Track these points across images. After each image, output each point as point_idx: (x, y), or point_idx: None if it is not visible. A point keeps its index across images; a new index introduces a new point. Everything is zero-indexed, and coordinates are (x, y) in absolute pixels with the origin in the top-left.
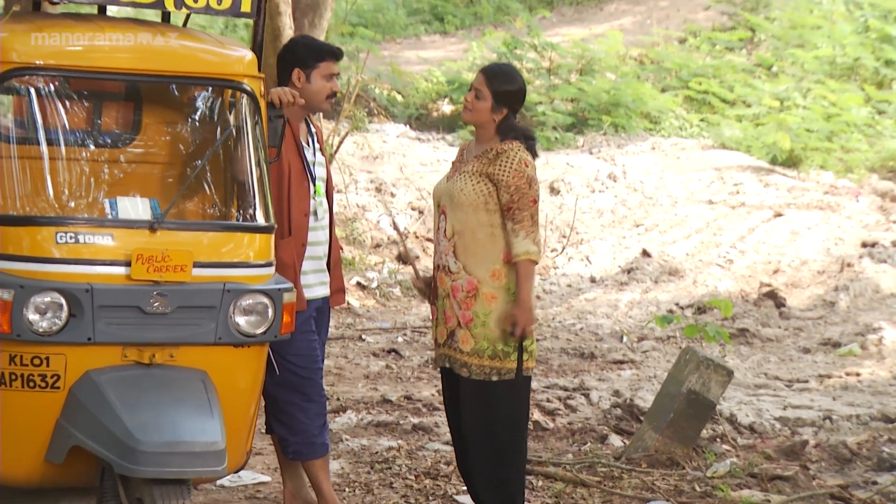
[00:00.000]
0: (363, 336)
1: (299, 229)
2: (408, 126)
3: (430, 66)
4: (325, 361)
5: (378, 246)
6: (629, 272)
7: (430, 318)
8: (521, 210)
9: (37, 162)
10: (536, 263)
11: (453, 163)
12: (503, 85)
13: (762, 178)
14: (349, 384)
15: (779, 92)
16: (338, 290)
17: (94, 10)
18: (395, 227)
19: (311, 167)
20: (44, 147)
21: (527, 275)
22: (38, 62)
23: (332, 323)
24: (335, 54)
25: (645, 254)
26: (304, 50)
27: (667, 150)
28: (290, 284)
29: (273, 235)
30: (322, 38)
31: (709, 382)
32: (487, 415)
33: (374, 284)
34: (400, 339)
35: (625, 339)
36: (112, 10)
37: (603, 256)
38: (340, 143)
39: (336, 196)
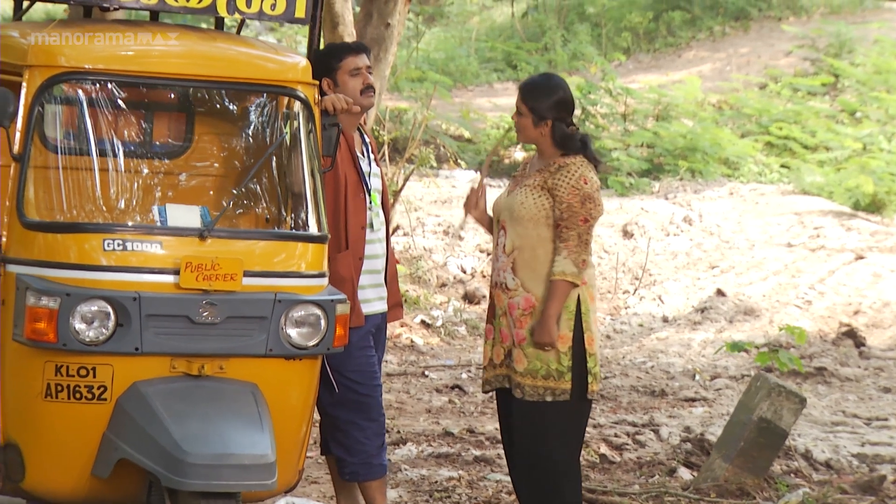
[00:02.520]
0: (426, 372)
1: (356, 242)
2: (478, 172)
3: (503, 112)
4: (386, 395)
5: (444, 285)
6: (703, 311)
7: (486, 337)
8: (568, 228)
9: (84, 169)
10: (574, 286)
11: (514, 177)
12: (538, 99)
13: (844, 223)
14: (410, 418)
15: (862, 136)
16: (395, 304)
17: (147, 17)
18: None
19: (367, 178)
20: (92, 155)
21: (557, 294)
22: (87, 66)
23: (394, 359)
24: (354, 49)
25: (720, 293)
26: (324, 57)
27: (745, 195)
28: (343, 296)
29: (326, 246)
30: (387, 73)
31: (780, 410)
32: (538, 437)
33: (439, 322)
34: (464, 376)
35: (697, 377)
36: (165, 17)
37: (676, 297)
38: (406, 181)
39: (403, 238)
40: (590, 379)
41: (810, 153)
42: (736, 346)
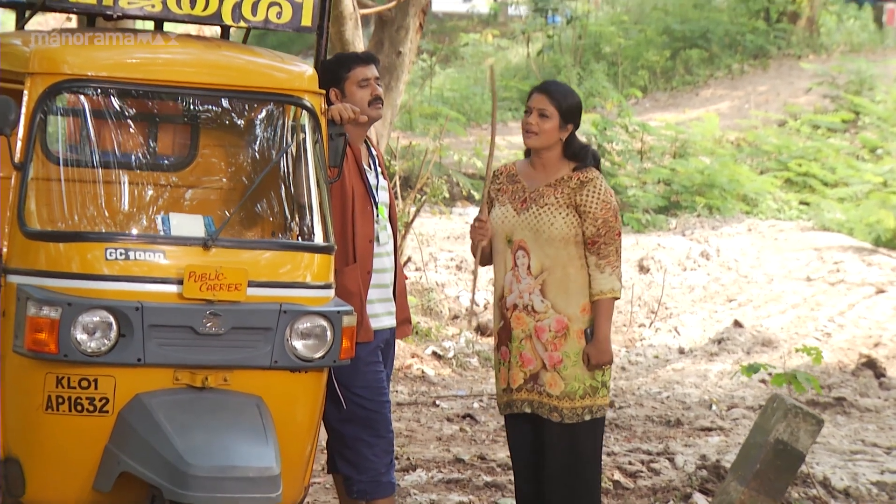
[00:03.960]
0: (437, 402)
1: (364, 256)
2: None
3: (517, 150)
4: (396, 424)
5: (456, 317)
6: (720, 343)
7: (501, 360)
8: (607, 244)
9: (87, 180)
10: (618, 299)
11: (501, 190)
12: (567, 99)
13: (864, 258)
14: (421, 445)
15: (883, 172)
16: (404, 320)
17: (151, 25)
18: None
19: (374, 191)
20: (94, 165)
21: (608, 312)
22: (90, 73)
23: (405, 390)
24: (363, 59)
25: (737, 324)
26: (332, 66)
27: (764, 231)
28: (350, 307)
29: (333, 256)
30: (398, 101)
31: (797, 432)
32: (574, 455)
33: (451, 354)
34: (476, 405)
35: (714, 407)
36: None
37: (692, 329)
38: (417, 212)
39: (414, 273)
40: (604, 392)
41: (830, 189)
42: (752, 368)
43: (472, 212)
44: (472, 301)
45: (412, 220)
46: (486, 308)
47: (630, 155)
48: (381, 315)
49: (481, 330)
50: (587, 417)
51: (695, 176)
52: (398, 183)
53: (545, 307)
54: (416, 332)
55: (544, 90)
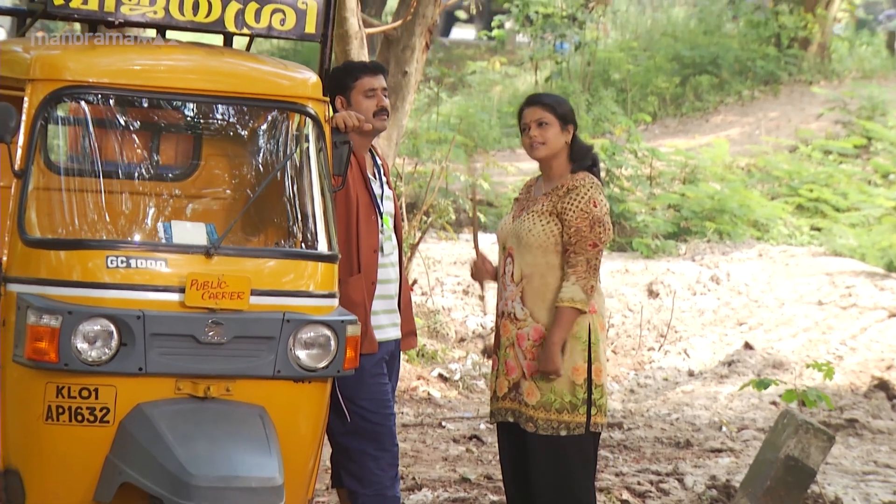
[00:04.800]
0: (443, 423)
1: (369, 266)
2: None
3: (525, 175)
4: (402, 444)
5: (462, 340)
6: (730, 365)
7: (491, 368)
8: (576, 254)
9: (88, 184)
10: (582, 313)
11: (517, 200)
12: (560, 103)
13: (877, 283)
14: (426, 465)
15: (895, 197)
16: (409, 332)
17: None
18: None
19: (379, 200)
20: (95, 173)
21: (565, 321)
22: (91, 80)
23: (410, 411)
24: (371, 69)
25: (747, 346)
26: (339, 74)
27: (775, 256)
28: (354, 317)
29: (336, 265)
30: (404, 122)
31: (808, 448)
32: (558, 471)
33: (457, 376)
34: (482, 427)
35: (724, 428)
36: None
37: (702, 351)
38: (423, 234)
39: (420, 298)
40: (594, 411)
41: (842, 214)
42: (762, 384)
43: (480, 238)
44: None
45: (418, 243)
46: (492, 332)
47: (639, 180)
48: (386, 326)
49: (487, 353)
50: (562, 433)
51: (705, 201)
52: (404, 206)
53: (525, 315)
54: (422, 355)
55: (535, 102)
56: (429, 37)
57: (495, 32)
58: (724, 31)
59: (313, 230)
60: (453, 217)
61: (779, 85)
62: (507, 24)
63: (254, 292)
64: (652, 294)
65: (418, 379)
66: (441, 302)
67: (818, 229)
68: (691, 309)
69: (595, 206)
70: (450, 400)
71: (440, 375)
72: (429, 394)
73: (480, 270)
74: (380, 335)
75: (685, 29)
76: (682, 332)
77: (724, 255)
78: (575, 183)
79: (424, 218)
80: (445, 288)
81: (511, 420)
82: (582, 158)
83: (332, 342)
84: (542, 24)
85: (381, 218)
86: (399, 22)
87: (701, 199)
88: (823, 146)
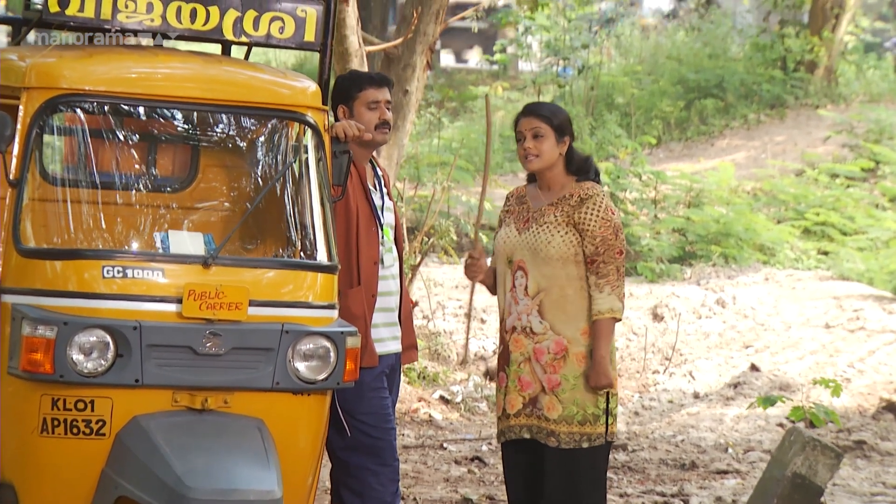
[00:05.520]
0: (445, 445)
1: (369, 278)
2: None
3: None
4: (403, 466)
5: (464, 362)
6: (736, 387)
7: (498, 385)
8: (606, 263)
9: (84, 194)
10: (619, 321)
11: (508, 211)
12: (556, 113)
13: (885, 307)
14: (428, 486)
15: None
16: (410, 346)
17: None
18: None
19: (380, 212)
20: (92, 180)
21: (608, 333)
22: (87, 88)
23: (411, 433)
24: (376, 80)
25: (753, 368)
26: (344, 83)
27: (781, 280)
28: (353, 328)
29: (336, 276)
30: (405, 141)
31: (815, 465)
32: (573, 483)
33: (459, 398)
34: (485, 448)
35: (730, 450)
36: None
37: (707, 374)
38: (424, 255)
39: (421, 322)
40: (610, 420)
41: (849, 238)
42: (768, 401)
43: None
44: (467, 338)
45: (419, 264)
46: (494, 354)
47: (644, 204)
48: (387, 339)
49: (490, 375)
50: (584, 444)
51: (710, 225)
52: (405, 229)
53: (544, 328)
54: (424, 377)
55: (531, 112)
56: (430, 55)
57: (497, 57)
58: (729, 55)
59: (312, 240)
60: (455, 238)
61: (785, 109)
62: (510, 49)
63: (252, 303)
64: (656, 317)
65: (419, 401)
66: (442, 325)
67: (825, 253)
68: (696, 332)
69: (613, 214)
70: (451, 422)
71: (441, 397)
72: (430, 416)
73: (474, 266)
74: (380, 348)
75: (690, 52)
76: (688, 355)
77: (729, 280)
78: (587, 192)
79: (426, 239)
80: (447, 311)
81: (527, 437)
82: (583, 168)
83: (332, 354)
84: (545, 48)
85: (382, 229)
86: (400, 40)
87: (706, 223)
88: (830, 170)
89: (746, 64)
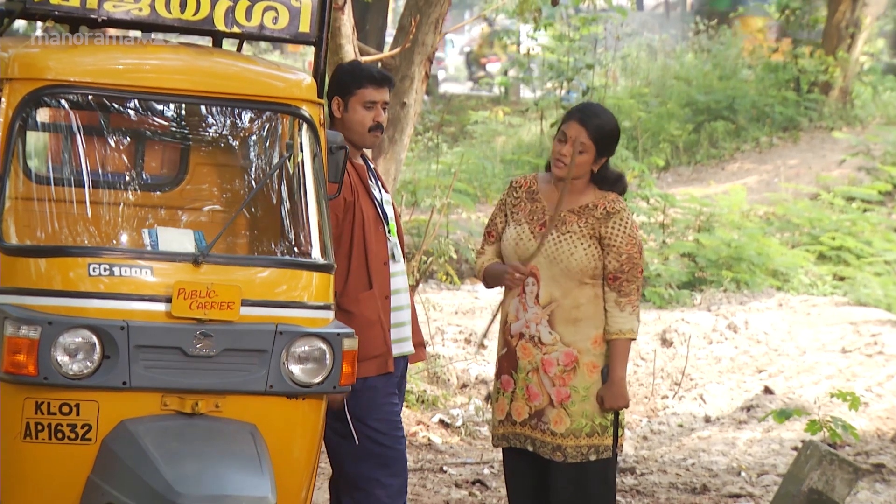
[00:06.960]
0: (445, 468)
1: (381, 280)
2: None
3: None
4: None
5: (465, 386)
6: (748, 410)
7: (503, 389)
8: (629, 282)
9: (69, 189)
10: (634, 341)
11: (517, 205)
12: (605, 128)
13: None
14: None
15: None
16: (418, 343)
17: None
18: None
19: (383, 207)
20: (78, 174)
21: (626, 353)
22: (73, 79)
23: (410, 457)
24: (377, 80)
25: (767, 391)
26: (344, 76)
27: (796, 306)
28: (350, 329)
29: (332, 275)
30: (403, 156)
31: (833, 480)
32: (581, 497)
33: (459, 422)
34: (486, 472)
35: (743, 473)
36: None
37: (719, 398)
38: (422, 275)
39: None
40: (620, 432)
41: (866, 263)
42: (784, 414)
43: (482, 288)
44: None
45: (417, 283)
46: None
47: (651, 228)
48: (400, 341)
49: (491, 398)
50: (592, 457)
51: (721, 249)
52: (402, 254)
53: (553, 339)
54: (423, 401)
55: (582, 120)
56: (428, 66)
57: (498, 80)
58: (740, 76)
59: (308, 238)
60: (454, 255)
61: (798, 131)
62: (511, 73)
63: (245, 303)
64: (665, 342)
65: (418, 424)
66: (442, 351)
67: (841, 278)
68: (707, 357)
69: (636, 231)
70: (451, 446)
71: (441, 421)
72: (429, 439)
73: (514, 281)
74: (395, 351)
75: (699, 73)
76: (698, 380)
77: (741, 305)
78: (614, 206)
79: (424, 259)
80: (447, 337)
81: (530, 449)
82: (616, 186)
83: (328, 356)
84: (548, 71)
85: (388, 224)
86: (397, 50)
87: (717, 247)
88: (846, 193)
89: (758, 85)
